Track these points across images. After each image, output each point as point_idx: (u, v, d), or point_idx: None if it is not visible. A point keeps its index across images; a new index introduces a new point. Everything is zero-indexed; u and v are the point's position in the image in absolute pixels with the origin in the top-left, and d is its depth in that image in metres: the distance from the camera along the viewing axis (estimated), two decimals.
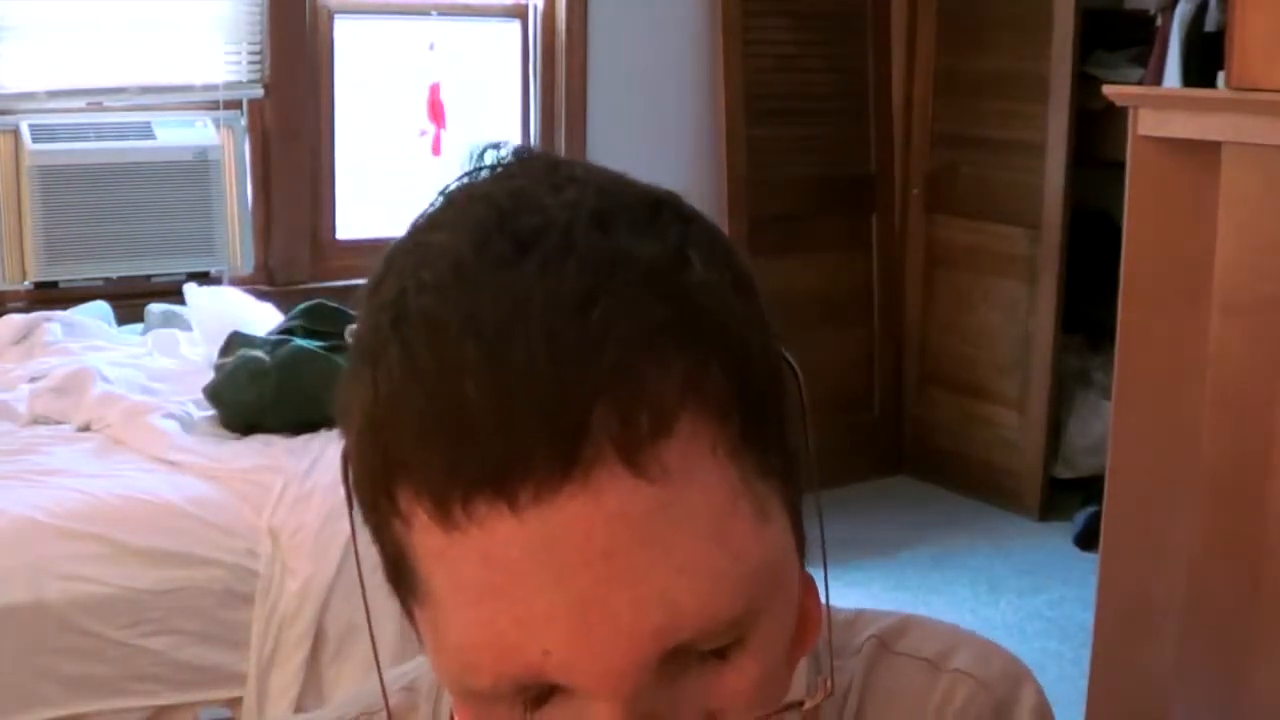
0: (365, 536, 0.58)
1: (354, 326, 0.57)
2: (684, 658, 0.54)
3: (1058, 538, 3.94)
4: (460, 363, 0.51)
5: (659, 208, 0.56)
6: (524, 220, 0.54)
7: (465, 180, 0.58)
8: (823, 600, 0.62)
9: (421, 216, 0.58)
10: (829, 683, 0.60)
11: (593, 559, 0.51)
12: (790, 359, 0.59)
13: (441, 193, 0.58)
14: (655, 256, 0.53)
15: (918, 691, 0.71)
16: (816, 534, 0.61)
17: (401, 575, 0.56)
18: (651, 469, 0.51)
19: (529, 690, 0.53)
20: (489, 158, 0.59)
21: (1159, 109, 2.34)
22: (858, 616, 0.76)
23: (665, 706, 0.53)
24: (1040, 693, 0.73)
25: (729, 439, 0.53)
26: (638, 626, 0.51)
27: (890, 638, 0.74)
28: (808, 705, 0.58)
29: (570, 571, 0.51)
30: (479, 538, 0.51)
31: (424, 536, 0.53)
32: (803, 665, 0.64)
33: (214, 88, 3.50)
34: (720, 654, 0.54)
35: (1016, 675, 0.73)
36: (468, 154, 0.60)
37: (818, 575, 0.61)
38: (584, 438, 0.50)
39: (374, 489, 0.55)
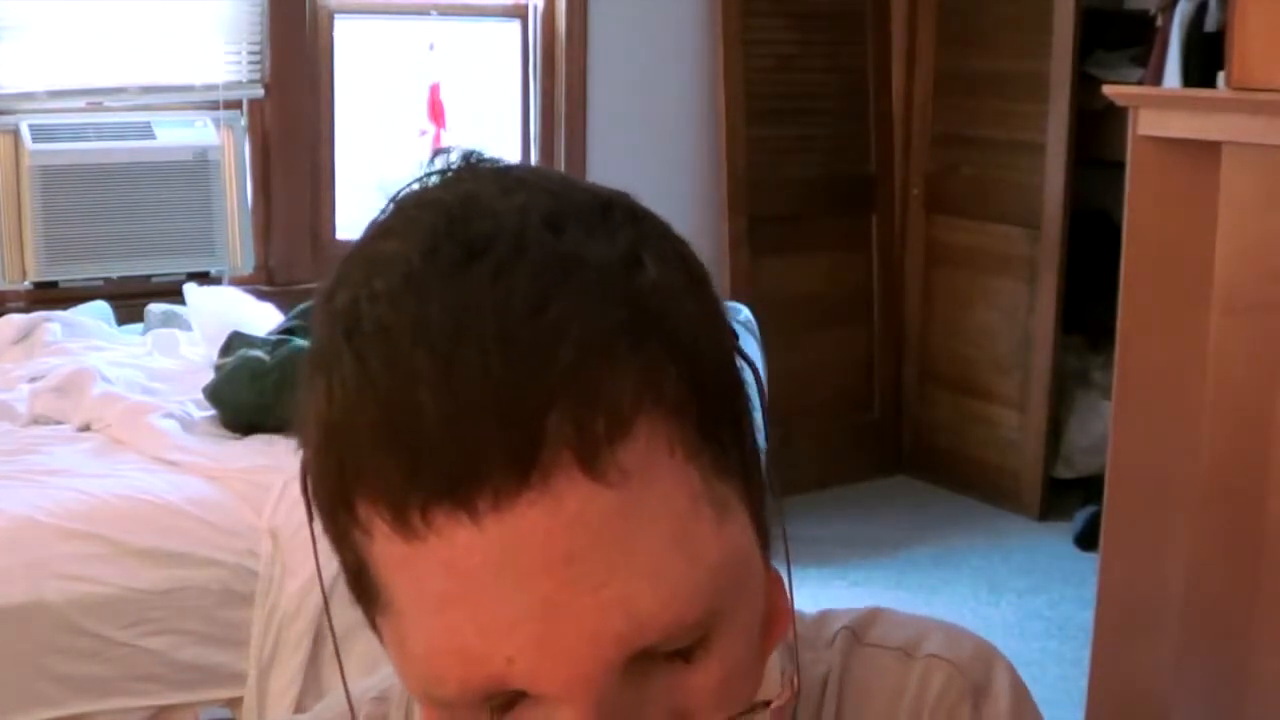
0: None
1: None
2: (648, 660, 0.53)
3: (1058, 538, 3.94)
4: (413, 372, 0.50)
5: (610, 208, 0.56)
6: (474, 225, 0.53)
7: (415, 187, 0.58)
8: (789, 596, 0.62)
9: (372, 224, 0.57)
10: (795, 681, 0.60)
11: (554, 564, 0.50)
12: (746, 354, 0.59)
13: (392, 199, 0.58)
14: (608, 258, 0.53)
15: (893, 681, 0.71)
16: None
17: (364, 586, 0.56)
18: (610, 473, 0.51)
19: (495, 697, 0.53)
20: (439, 163, 0.59)
21: (1159, 109, 2.34)
22: (825, 613, 0.77)
23: (631, 709, 0.53)
24: (1012, 670, 0.73)
25: (687, 439, 0.53)
26: (600, 631, 0.51)
27: (860, 629, 0.74)
28: (775, 704, 0.57)
29: (531, 578, 0.50)
30: (439, 547, 0.51)
31: (384, 546, 0.53)
32: (775, 661, 0.64)
33: (214, 88, 3.50)
34: (684, 655, 0.54)
35: (988, 655, 0.73)
36: (421, 162, 0.60)
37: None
38: (540, 444, 0.50)
39: (332, 501, 0.54)
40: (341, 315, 0.54)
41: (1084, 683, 2.61)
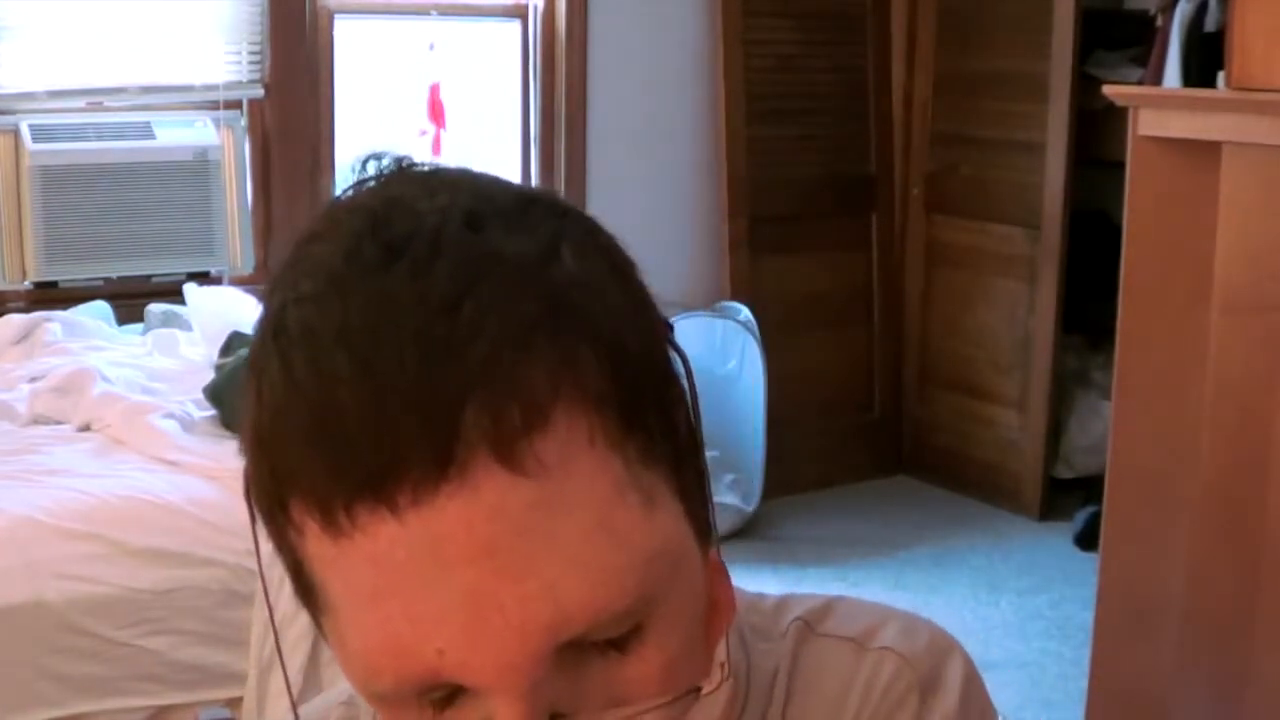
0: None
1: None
2: (581, 649, 0.54)
3: (1058, 538, 3.94)
4: (334, 372, 0.51)
5: (531, 205, 0.57)
6: (396, 226, 0.54)
7: (348, 192, 0.59)
8: (732, 585, 0.62)
9: (305, 230, 0.58)
10: (725, 668, 0.60)
11: (476, 556, 0.51)
12: (678, 345, 0.59)
13: (327, 206, 0.59)
14: (525, 253, 0.54)
15: (844, 672, 0.71)
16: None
17: (303, 586, 0.57)
18: (528, 463, 0.51)
19: (433, 690, 0.54)
20: (371, 168, 0.60)
21: (1159, 109, 2.34)
22: (783, 601, 0.76)
23: (567, 698, 0.54)
24: (969, 664, 0.72)
25: (608, 429, 0.54)
26: (527, 621, 0.51)
27: (815, 620, 0.74)
28: (706, 691, 0.58)
29: (454, 570, 0.51)
30: (365, 543, 0.52)
31: (316, 546, 0.54)
32: (723, 651, 0.64)
33: (214, 88, 3.50)
34: (619, 645, 0.55)
35: (943, 648, 0.72)
36: (351, 166, 0.61)
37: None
38: (456, 437, 0.50)
39: (269, 502, 0.55)
40: (271, 319, 0.55)
41: (1084, 683, 2.61)
